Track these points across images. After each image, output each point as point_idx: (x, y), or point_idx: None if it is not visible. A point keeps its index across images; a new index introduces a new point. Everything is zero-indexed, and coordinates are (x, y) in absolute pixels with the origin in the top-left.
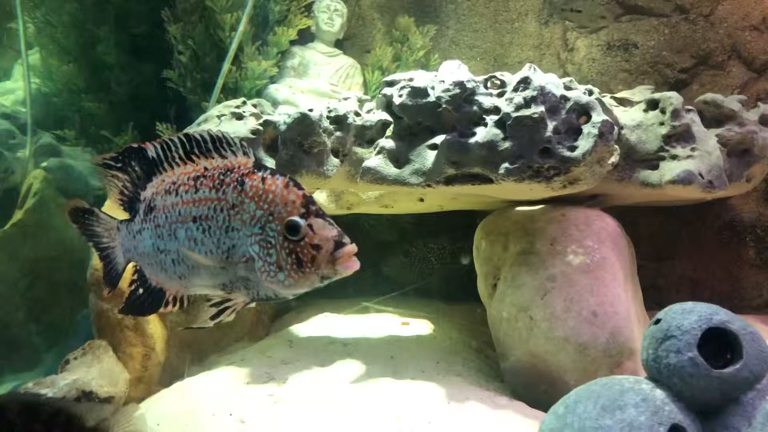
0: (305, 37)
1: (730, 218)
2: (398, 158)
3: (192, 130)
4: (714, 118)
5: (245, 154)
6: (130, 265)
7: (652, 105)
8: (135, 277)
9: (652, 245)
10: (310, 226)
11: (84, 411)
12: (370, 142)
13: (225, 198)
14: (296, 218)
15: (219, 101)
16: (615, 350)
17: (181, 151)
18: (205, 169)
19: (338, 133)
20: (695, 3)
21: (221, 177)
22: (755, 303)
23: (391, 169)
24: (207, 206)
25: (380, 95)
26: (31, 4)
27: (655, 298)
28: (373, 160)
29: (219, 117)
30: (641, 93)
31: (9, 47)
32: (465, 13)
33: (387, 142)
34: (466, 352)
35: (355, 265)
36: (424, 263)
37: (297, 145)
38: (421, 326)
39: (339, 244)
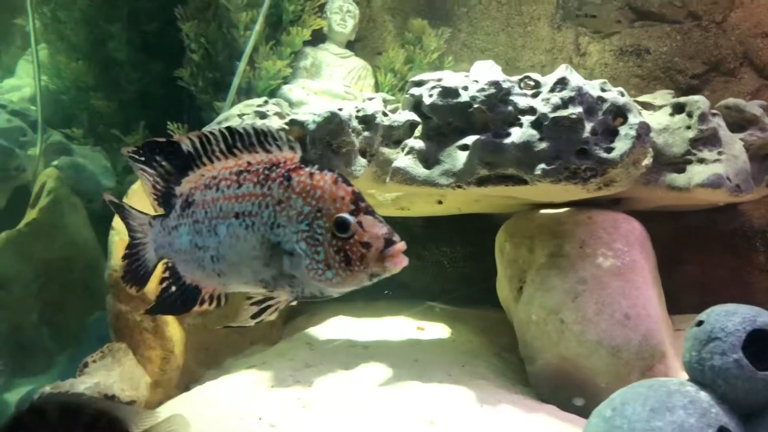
0: (316, 38)
1: (741, 223)
2: (427, 159)
3: (212, 129)
4: (735, 122)
5: (291, 148)
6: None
7: (678, 108)
8: (167, 274)
9: (661, 250)
10: (359, 223)
11: (126, 414)
12: (396, 143)
13: (270, 194)
14: (346, 215)
15: (233, 101)
16: (647, 353)
17: (222, 145)
18: (249, 163)
19: (366, 133)
20: (708, 10)
21: (266, 172)
22: (765, 308)
23: (420, 170)
24: (251, 202)
25: (407, 95)
26: (39, 0)
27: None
28: (403, 160)
29: (240, 116)
30: (662, 97)
31: (12, 44)
32: (477, 17)
33: (416, 143)
34: (487, 356)
35: (404, 261)
36: (438, 267)
37: (326, 144)
38: (438, 330)
39: (389, 242)
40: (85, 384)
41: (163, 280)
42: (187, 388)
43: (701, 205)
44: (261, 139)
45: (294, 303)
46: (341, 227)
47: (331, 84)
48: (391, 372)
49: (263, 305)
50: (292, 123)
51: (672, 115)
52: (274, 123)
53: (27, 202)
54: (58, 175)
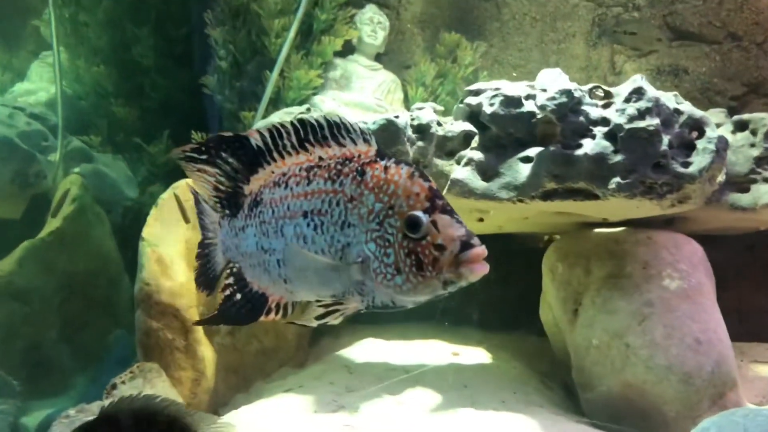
0: (344, 49)
1: None
2: (486, 171)
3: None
4: None
5: (366, 141)
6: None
7: (741, 126)
8: (231, 281)
9: None
10: (433, 222)
11: (195, 419)
12: (449, 154)
13: (342, 190)
14: (418, 213)
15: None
16: (719, 380)
17: (294, 139)
18: (320, 158)
19: (420, 143)
20: (749, 31)
21: (338, 167)
22: None
23: (479, 183)
24: (321, 199)
25: (462, 105)
26: (60, 2)
27: None
28: (462, 171)
29: None
30: (716, 116)
31: (24, 48)
32: (510, 32)
33: (475, 154)
34: (535, 383)
35: (484, 268)
36: (467, 289)
37: None
38: (476, 355)
39: (466, 245)
40: None
41: (226, 287)
42: (216, 413)
43: (748, 228)
44: (334, 131)
45: (363, 311)
46: (413, 226)
47: (363, 96)
48: (441, 398)
49: (330, 308)
50: None
51: (734, 132)
52: None
53: (46, 210)
54: (83, 182)
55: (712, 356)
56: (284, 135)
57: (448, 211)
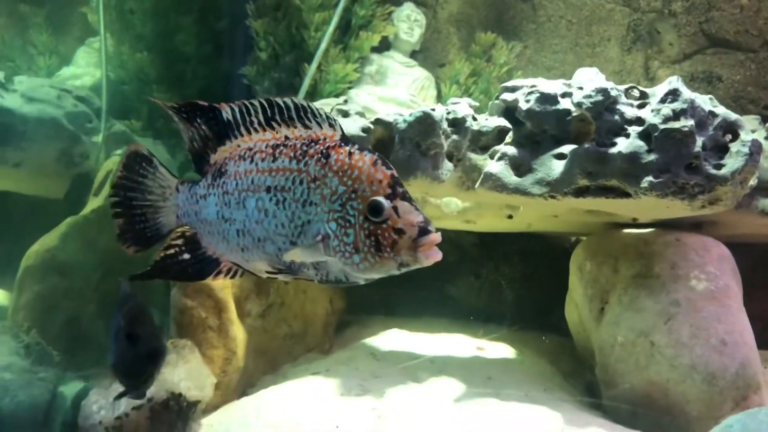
0: (380, 45)
1: None
2: (519, 166)
3: None
4: None
5: (332, 126)
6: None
7: None
8: (179, 242)
9: None
10: (395, 208)
11: None
12: (483, 149)
13: (306, 170)
14: (381, 198)
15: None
16: (743, 382)
17: (261, 117)
18: (286, 138)
19: (455, 137)
20: None
21: (304, 148)
22: None
23: (512, 178)
24: (285, 177)
25: (498, 101)
26: None
27: None
28: (495, 166)
29: None
30: (750, 122)
31: (70, 34)
32: (546, 34)
33: (509, 149)
34: (558, 380)
35: (437, 255)
36: (494, 287)
37: (415, 145)
38: (500, 350)
39: (424, 231)
40: None
41: (171, 246)
42: (244, 393)
43: None
44: (300, 113)
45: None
46: (375, 211)
47: (397, 92)
48: (465, 388)
49: (280, 270)
50: (378, 122)
51: (767, 139)
52: (360, 122)
53: (88, 190)
54: None
55: (736, 358)
56: (252, 112)
57: (408, 198)
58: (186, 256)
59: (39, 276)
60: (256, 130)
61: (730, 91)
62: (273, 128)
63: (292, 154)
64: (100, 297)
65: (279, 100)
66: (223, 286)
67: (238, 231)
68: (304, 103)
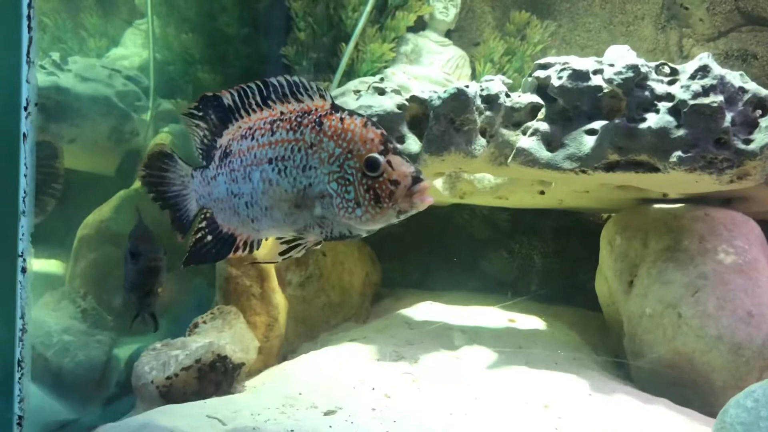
0: (416, 24)
1: None
2: (551, 142)
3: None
4: None
5: (322, 97)
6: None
7: None
8: (203, 225)
9: None
10: (389, 162)
11: None
12: (516, 125)
13: (303, 138)
14: (376, 155)
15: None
16: None
17: (258, 98)
18: (282, 113)
19: (488, 113)
20: None
21: (298, 119)
22: None
23: (544, 152)
24: (284, 147)
25: (530, 78)
26: None
27: None
28: (527, 141)
29: (356, 92)
30: None
31: (118, 16)
32: (580, 13)
33: (541, 125)
34: (587, 350)
35: (430, 199)
36: (527, 261)
37: (449, 121)
38: (531, 322)
39: (416, 179)
40: (197, 343)
41: (198, 230)
42: (285, 358)
43: None
44: (293, 89)
45: (319, 246)
46: (371, 166)
47: (431, 71)
48: (496, 356)
49: (292, 244)
50: (413, 99)
51: None
52: (396, 99)
53: (136, 166)
54: (172, 140)
55: (763, 329)
56: (249, 94)
57: (399, 153)
58: (209, 237)
59: (94, 245)
60: (254, 111)
61: (766, 69)
62: (269, 107)
63: (288, 126)
64: None
65: (273, 80)
66: (265, 256)
67: (247, 203)
68: (296, 79)
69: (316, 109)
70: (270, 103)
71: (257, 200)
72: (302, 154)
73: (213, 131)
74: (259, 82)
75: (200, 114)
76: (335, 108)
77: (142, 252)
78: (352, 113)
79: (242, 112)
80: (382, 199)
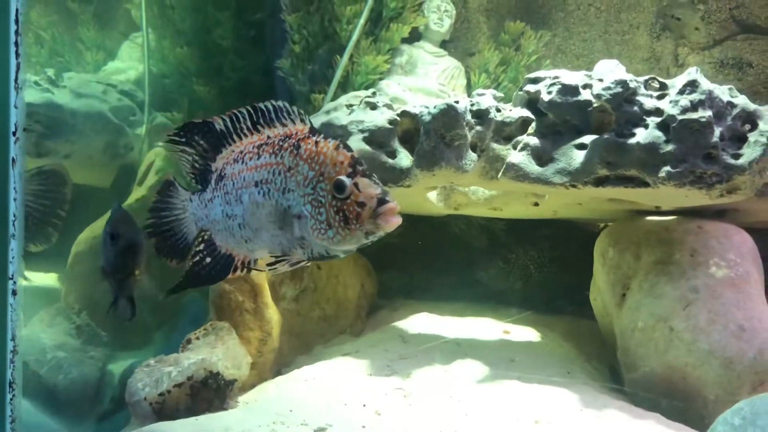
0: (410, 35)
1: None
2: (541, 156)
3: (320, 118)
4: None
5: (302, 121)
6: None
7: None
8: (201, 247)
9: None
10: (356, 184)
11: None
12: (507, 139)
13: (282, 162)
14: (343, 177)
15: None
16: (762, 367)
17: (248, 122)
18: (268, 137)
19: (478, 128)
20: None
21: (280, 143)
22: None
23: (534, 167)
24: (267, 170)
25: (521, 92)
26: None
27: None
28: (517, 156)
29: (348, 106)
30: None
31: (115, 29)
32: (575, 22)
33: (531, 139)
34: (581, 362)
35: (396, 220)
36: (523, 271)
37: (439, 136)
38: (526, 333)
39: (381, 201)
40: (189, 359)
41: (195, 254)
42: (279, 372)
43: None
44: (278, 114)
45: (307, 263)
46: (339, 188)
47: (426, 82)
48: (488, 370)
49: (278, 259)
50: (404, 114)
51: None
52: (387, 114)
53: (132, 180)
54: (166, 155)
55: (755, 344)
56: (240, 119)
57: (368, 174)
58: (208, 259)
59: (88, 261)
60: (245, 135)
61: (761, 77)
62: (258, 131)
63: (271, 150)
64: (143, 281)
65: (261, 105)
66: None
67: (240, 225)
68: (280, 104)
69: (297, 133)
70: (259, 127)
71: (248, 222)
72: (282, 177)
73: (204, 156)
74: (248, 107)
75: (184, 140)
76: (313, 131)
77: (122, 233)
78: (327, 137)
79: (234, 136)
80: (350, 221)
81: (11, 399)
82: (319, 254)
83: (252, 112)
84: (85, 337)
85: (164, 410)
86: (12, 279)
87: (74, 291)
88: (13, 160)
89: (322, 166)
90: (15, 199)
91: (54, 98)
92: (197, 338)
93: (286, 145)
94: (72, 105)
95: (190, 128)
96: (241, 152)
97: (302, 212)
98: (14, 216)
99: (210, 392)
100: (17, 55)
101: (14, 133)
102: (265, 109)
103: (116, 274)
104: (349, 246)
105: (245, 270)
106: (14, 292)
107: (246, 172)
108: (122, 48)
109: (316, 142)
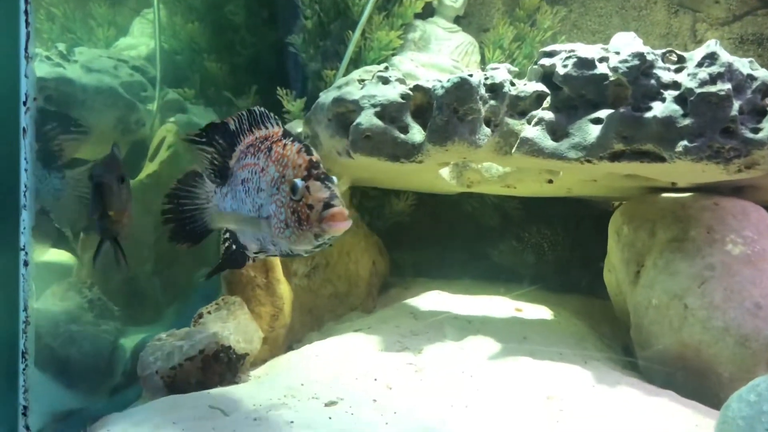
0: (424, 11)
1: None
2: (555, 131)
3: (331, 93)
4: None
5: (278, 124)
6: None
7: None
8: (227, 235)
9: None
10: (307, 188)
11: None
12: (521, 114)
13: (257, 163)
14: (297, 180)
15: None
16: None
17: (247, 124)
18: (255, 138)
19: (492, 102)
20: None
21: (259, 145)
22: None
23: (548, 142)
24: (248, 170)
25: (536, 66)
26: None
27: None
28: (532, 130)
29: (360, 81)
30: None
31: (126, 5)
32: None
33: (546, 114)
34: (593, 340)
35: (342, 225)
36: (537, 250)
37: (452, 110)
38: (538, 311)
39: (328, 205)
40: (201, 333)
41: (224, 240)
42: (290, 348)
43: None
44: (263, 118)
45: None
46: (293, 190)
47: (440, 58)
48: (500, 346)
49: (256, 253)
50: (417, 88)
51: None
52: (399, 88)
53: (144, 155)
54: (178, 130)
55: None
56: (244, 120)
57: (322, 179)
58: (234, 246)
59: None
60: (246, 135)
61: None
62: (253, 132)
63: (253, 151)
64: (156, 257)
65: (255, 109)
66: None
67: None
68: (264, 111)
69: (272, 136)
70: (254, 129)
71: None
72: (257, 176)
73: (222, 153)
74: (246, 111)
75: (204, 140)
76: (285, 134)
77: (96, 173)
78: (295, 140)
79: (241, 136)
80: (302, 222)
81: (24, 369)
82: (285, 252)
83: (248, 114)
84: (98, 311)
85: (176, 384)
86: (24, 250)
87: (86, 266)
88: (24, 129)
89: (285, 169)
90: (26, 170)
91: (65, 72)
92: (209, 313)
93: (263, 147)
94: (83, 80)
95: (212, 129)
96: (242, 151)
97: (269, 211)
98: (25, 186)
99: (221, 366)
100: (27, 24)
101: (25, 103)
102: (257, 112)
103: (94, 214)
104: (303, 246)
105: (257, 260)
106: (26, 263)
107: (239, 171)
108: (133, 24)
109: (285, 145)
